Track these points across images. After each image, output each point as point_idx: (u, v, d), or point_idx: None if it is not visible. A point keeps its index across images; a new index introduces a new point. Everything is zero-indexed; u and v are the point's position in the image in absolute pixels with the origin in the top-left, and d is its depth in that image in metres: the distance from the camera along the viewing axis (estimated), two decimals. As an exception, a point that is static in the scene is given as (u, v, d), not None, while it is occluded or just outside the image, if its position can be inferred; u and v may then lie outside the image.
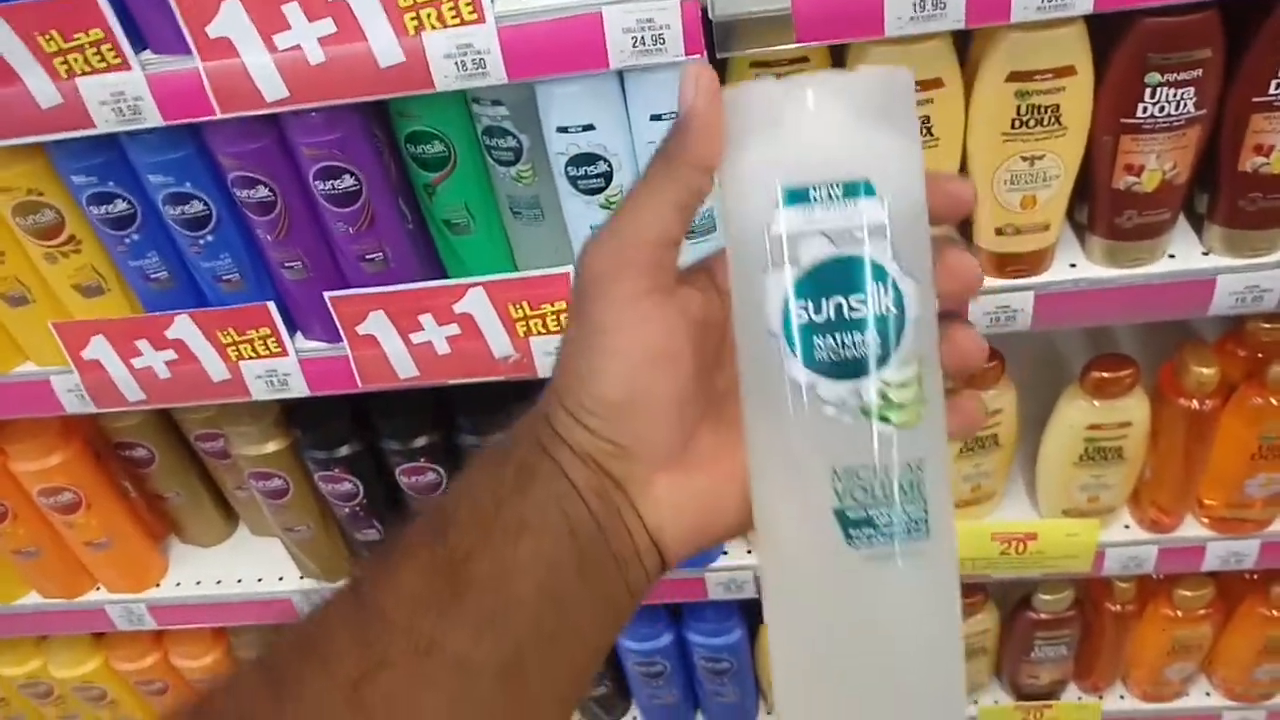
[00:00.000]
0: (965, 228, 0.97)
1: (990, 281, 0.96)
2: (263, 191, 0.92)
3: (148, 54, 0.86)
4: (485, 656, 0.36)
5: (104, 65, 0.85)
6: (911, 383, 0.36)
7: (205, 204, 0.94)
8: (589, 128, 0.87)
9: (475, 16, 0.80)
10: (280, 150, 0.91)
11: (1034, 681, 1.40)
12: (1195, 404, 1.06)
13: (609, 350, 0.39)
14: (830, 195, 0.36)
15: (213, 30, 0.82)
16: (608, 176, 0.90)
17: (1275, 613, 1.27)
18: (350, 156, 0.90)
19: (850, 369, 0.36)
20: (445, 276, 1.04)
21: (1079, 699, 1.43)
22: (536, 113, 0.90)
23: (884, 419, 0.36)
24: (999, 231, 0.93)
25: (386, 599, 0.36)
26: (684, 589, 1.26)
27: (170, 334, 1.03)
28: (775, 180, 0.36)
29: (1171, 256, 0.95)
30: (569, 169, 0.89)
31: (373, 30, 0.81)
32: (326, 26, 0.81)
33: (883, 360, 0.36)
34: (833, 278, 0.36)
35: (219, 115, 0.86)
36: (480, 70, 0.82)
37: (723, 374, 0.42)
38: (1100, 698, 1.42)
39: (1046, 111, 0.85)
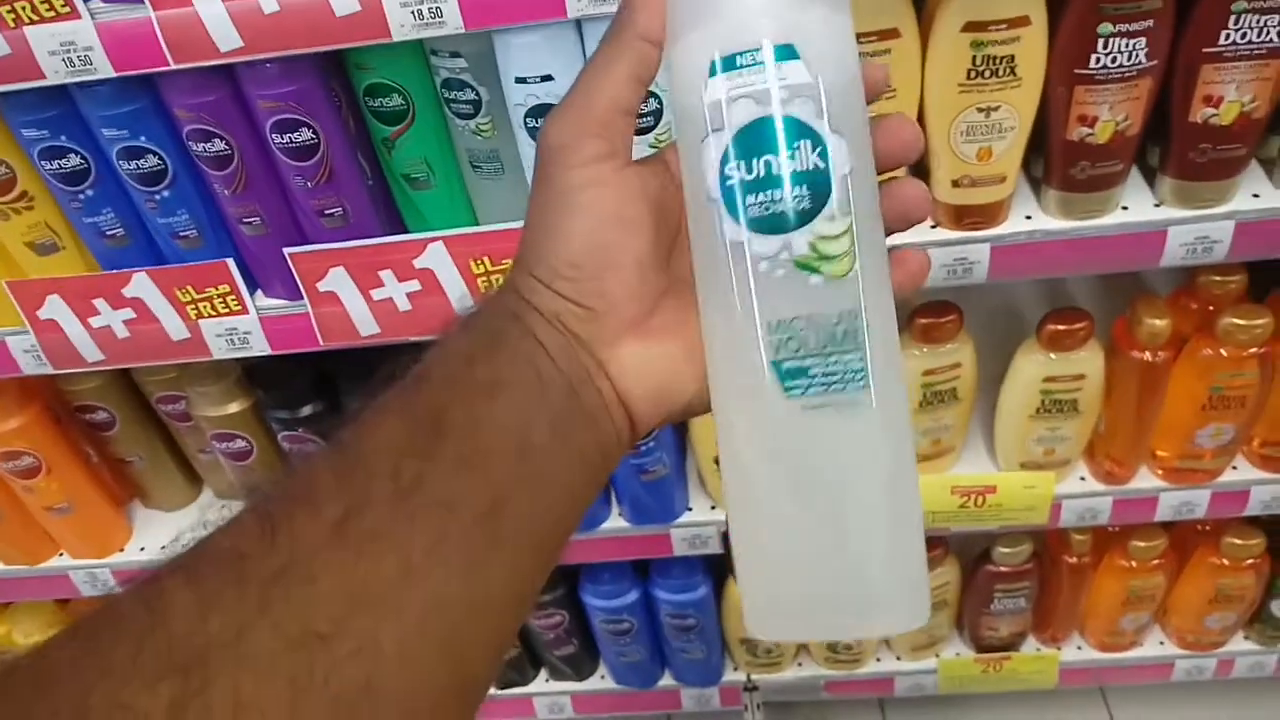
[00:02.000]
0: (922, 180, 0.97)
1: (947, 234, 0.97)
2: (219, 145, 0.91)
3: (97, 2, 0.85)
4: (464, 498, 0.37)
5: (52, 14, 0.83)
6: (844, 234, 0.37)
7: (160, 158, 0.93)
8: (547, 78, 0.87)
9: (431, -36, 0.79)
10: (236, 103, 0.90)
11: (993, 634, 1.43)
12: (1148, 356, 1.08)
13: (573, 209, 0.41)
14: (756, 60, 0.37)
15: (163, -22, 0.81)
16: (567, 129, 0.90)
17: (1225, 562, 1.30)
18: (308, 109, 0.89)
19: (779, 224, 0.38)
20: (405, 232, 1.03)
21: (1037, 650, 1.46)
22: (495, 65, 0.89)
23: (814, 270, 0.38)
24: (955, 183, 0.94)
25: (367, 446, 0.37)
26: (650, 545, 1.27)
27: (128, 292, 1.02)
28: (707, 50, 0.38)
29: (1124, 208, 0.96)
30: (528, 120, 0.89)
31: (327, -23, 0.80)
32: (280, -26, 0.80)
33: (811, 214, 0.37)
34: (760, 138, 0.38)
35: (172, 66, 0.85)
36: (437, 19, 0.82)
37: (682, 259, 0.44)
38: (1058, 649, 1.45)
39: (1001, 62, 0.85)
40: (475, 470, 0.38)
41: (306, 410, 1.15)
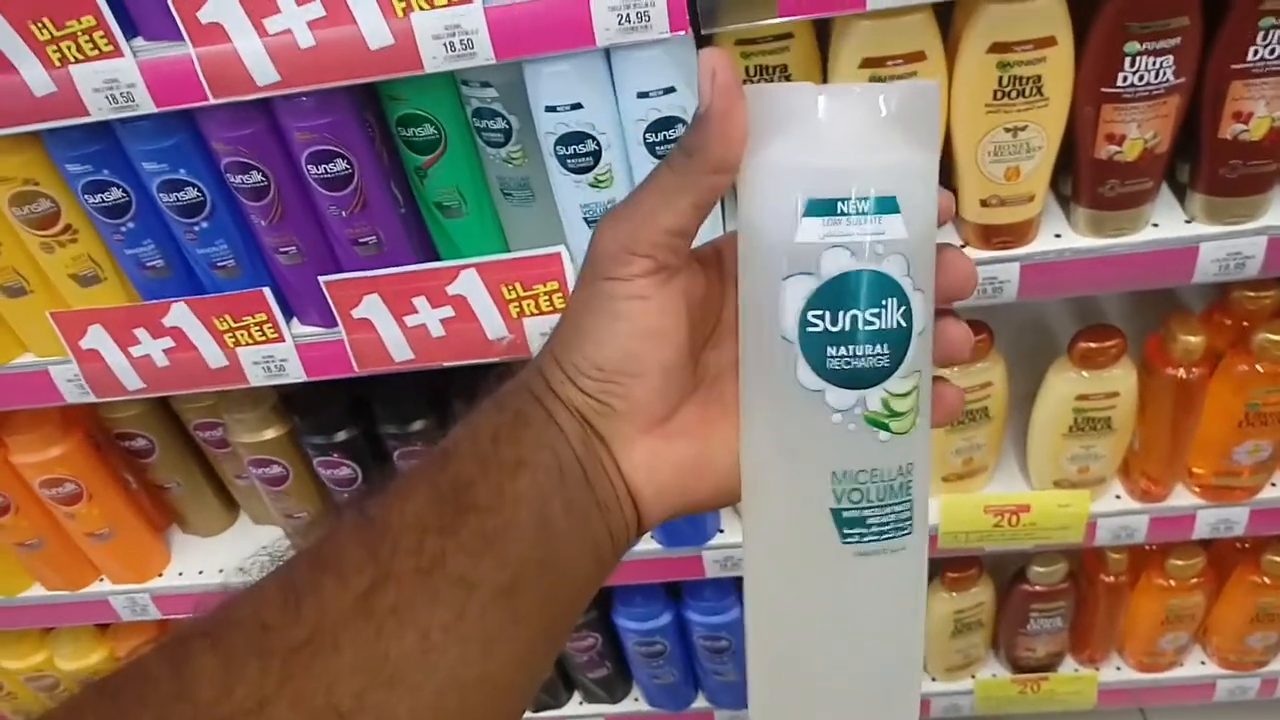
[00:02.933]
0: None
1: (976, 253, 0.97)
2: (256, 177, 0.93)
3: (139, 40, 0.87)
4: (484, 576, 0.38)
5: (96, 53, 0.86)
6: (912, 392, 0.38)
7: (199, 190, 0.95)
8: (577, 106, 0.88)
9: (460, -3, 0.81)
10: (272, 135, 0.92)
11: (1030, 654, 1.41)
12: (1182, 373, 1.07)
13: (610, 316, 0.41)
14: (856, 209, 0.36)
15: (204, 16, 0.83)
16: (596, 155, 0.91)
17: (1266, 580, 1.28)
18: (342, 140, 0.91)
19: (859, 379, 0.37)
20: (438, 259, 1.05)
21: (1075, 671, 1.44)
22: (525, 94, 0.91)
23: (883, 426, 0.38)
24: (984, 203, 0.94)
25: (394, 519, 0.38)
26: (682, 568, 1.27)
27: (167, 322, 1.04)
28: (800, 188, 0.36)
29: (1155, 225, 0.96)
30: (558, 148, 0.91)
31: (362, 12, 0.82)
32: (316, 10, 0.82)
33: (890, 372, 0.37)
34: (851, 291, 0.37)
35: (211, 101, 0.87)
36: (468, 51, 0.83)
37: (715, 354, 0.44)
38: (1097, 669, 1.44)
39: (1028, 82, 0.86)
40: (495, 549, 0.38)
41: (341, 436, 1.16)
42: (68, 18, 0.84)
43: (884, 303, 0.37)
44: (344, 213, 0.95)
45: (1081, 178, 0.93)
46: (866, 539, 0.39)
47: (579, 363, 0.42)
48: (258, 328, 1.04)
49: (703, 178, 0.39)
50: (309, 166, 0.92)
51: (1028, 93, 0.86)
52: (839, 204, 0.36)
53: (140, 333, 1.05)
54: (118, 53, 0.85)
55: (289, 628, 0.35)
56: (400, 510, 0.39)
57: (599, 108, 0.89)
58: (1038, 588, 1.32)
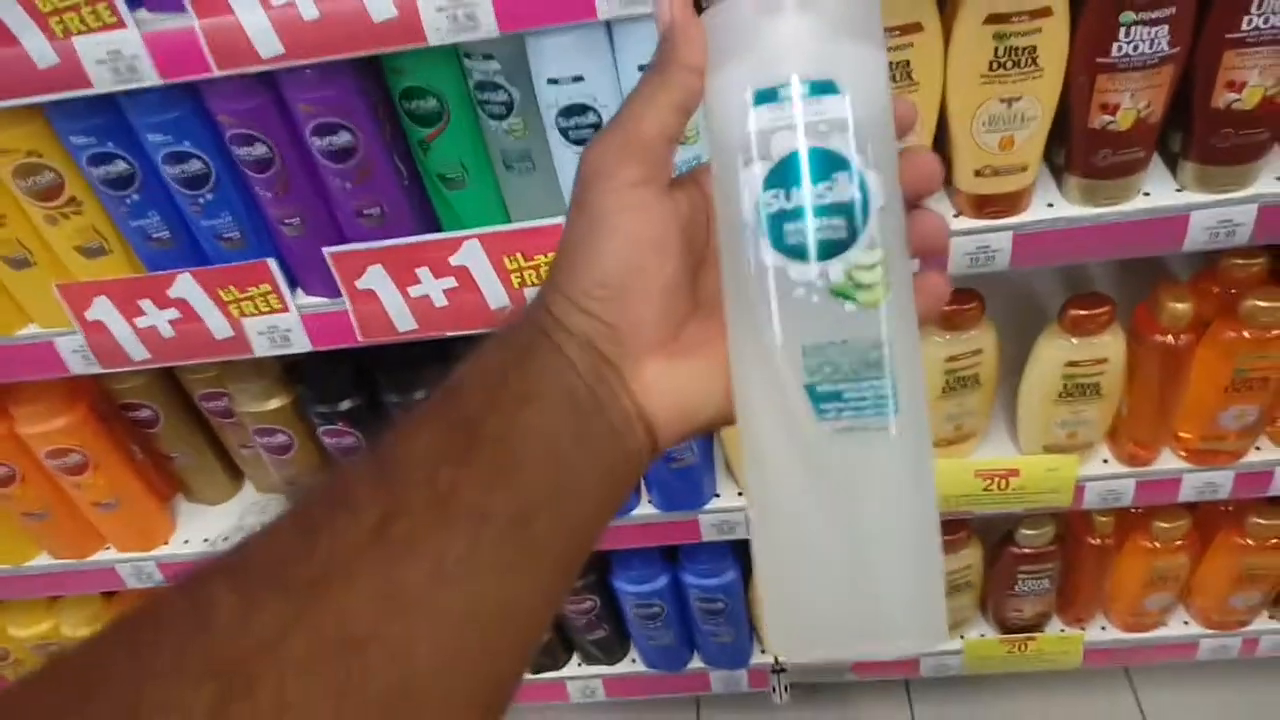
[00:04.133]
0: (944, 171, 0.99)
1: (969, 223, 0.99)
2: (260, 149, 0.94)
3: (143, 12, 0.88)
4: (497, 507, 0.38)
5: (99, 24, 0.86)
6: (877, 265, 0.39)
7: (204, 162, 0.96)
8: (578, 79, 0.89)
9: (465, -30, 0.82)
10: (277, 108, 0.93)
11: (1018, 615, 1.45)
12: (1170, 339, 1.09)
13: (608, 231, 0.42)
14: (798, 94, 0.39)
15: (207, -11, 0.84)
16: (597, 127, 0.92)
17: (1250, 542, 1.31)
18: (346, 112, 0.92)
19: (818, 251, 0.39)
20: (441, 231, 1.06)
21: (1061, 631, 1.47)
22: (527, 66, 0.92)
23: (849, 298, 0.39)
24: (978, 173, 0.95)
25: (404, 453, 0.39)
26: (679, 531, 1.30)
27: (172, 293, 1.05)
28: (748, 83, 0.40)
29: (1146, 194, 0.98)
30: (560, 120, 0.92)
31: (365, -15, 0.83)
32: (320, -17, 0.83)
33: (847, 245, 0.39)
34: (799, 167, 0.39)
35: (215, 73, 0.88)
36: (471, 23, 0.84)
37: (708, 276, 0.45)
38: (1083, 629, 1.47)
39: (1024, 53, 0.87)
40: (508, 479, 0.39)
41: (346, 405, 1.18)
42: (71, -10, 0.84)
43: (834, 176, 0.39)
44: (348, 185, 0.96)
45: (1074, 147, 0.95)
46: (844, 414, 0.39)
47: (582, 283, 0.42)
48: (262, 298, 1.05)
49: (676, 79, 0.42)
50: (313, 139, 0.93)
51: (1023, 64, 0.88)
52: (779, 90, 0.39)
53: (146, 304, 1.06)
54: (121, 24, 0.86)
55: (304, 561, 0.35)
56: (410, 445, 0.39)
57: (600, 80, 0.90)
58: (1026, 550, 1.35)
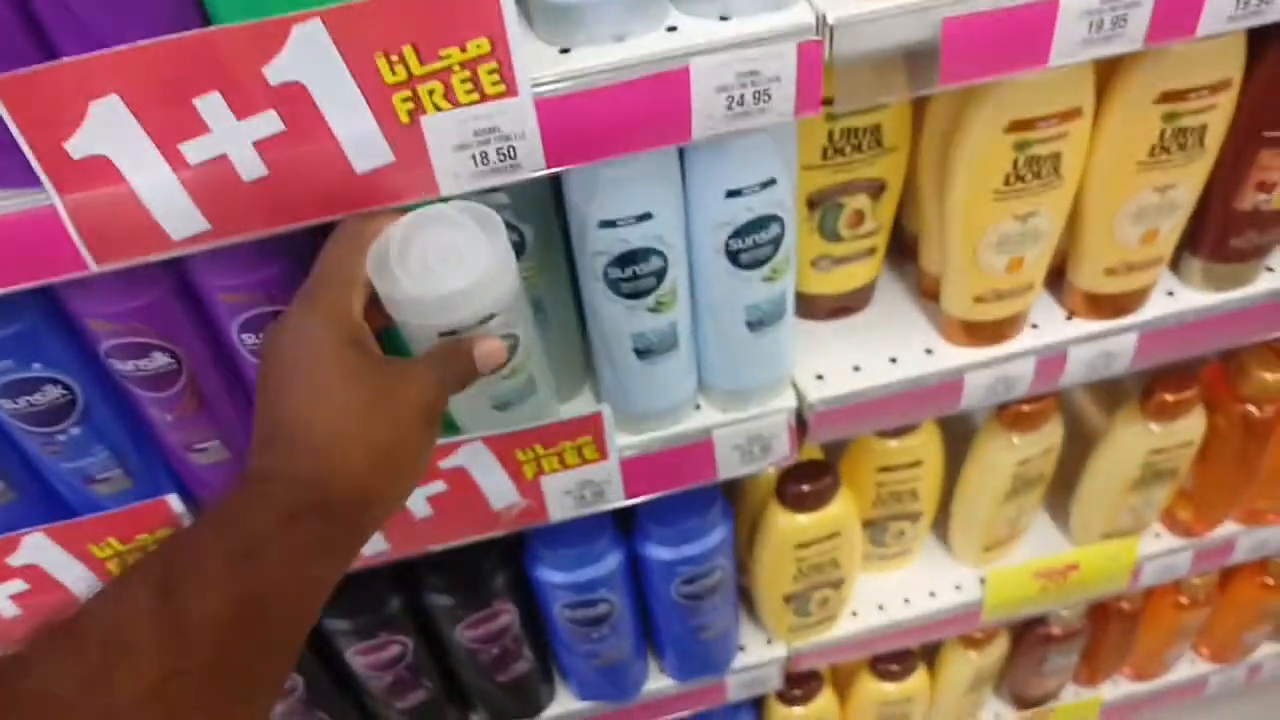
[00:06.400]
0: (1062, 273, 0.81)
1: (1088, 326, 0.81)
2: (159, 359, 0.62)
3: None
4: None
5: (-127, 214, 0.51)
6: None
7: (65, 388, 0.62)
8: (644, 217, 0.63)
9: (502, 88, 0.53)
10: (183, 300, 0.61)
11: (1038, 689, 1.32)
12: (1255, 410, 0.96)
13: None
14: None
15: (80, 147, 0.50)
16: (660, 274, 0.66)
17: (1271, 581, 1.24)
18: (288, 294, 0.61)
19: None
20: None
21: (1077, 695, 1.36)
22: (544, 202, 0.65)
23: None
24: (1110, 271, 0.77)
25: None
26: (703, 698, 1.06)
27: (16, 560, 0.70)
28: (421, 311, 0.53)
29: (1270, 270, 0.83)
30: (611, 270, 0.65)
31: (342, 120, 0.53)
32: (266, 123, 0.52)
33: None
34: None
35: (91, 270, 0.55)
36: (507, 161, 0.56)
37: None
38: (1098, 690, 1.36)
39: (1192, 134, 0.69)
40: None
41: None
42: None
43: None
44: (297, 389, 0.65)
45: (1208, 229, 0.78)
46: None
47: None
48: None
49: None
50: (243, 336, 0.62)
51: (1188, 145, 0.69)
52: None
53: (-30, 578, 0.70)
54: (-89, 210, 0.52)
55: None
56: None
57: (670, 216, 0.64)
58: (1056, 630, 1.21)
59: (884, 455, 0.95)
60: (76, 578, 0.73)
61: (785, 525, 0.92)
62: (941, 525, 1.09)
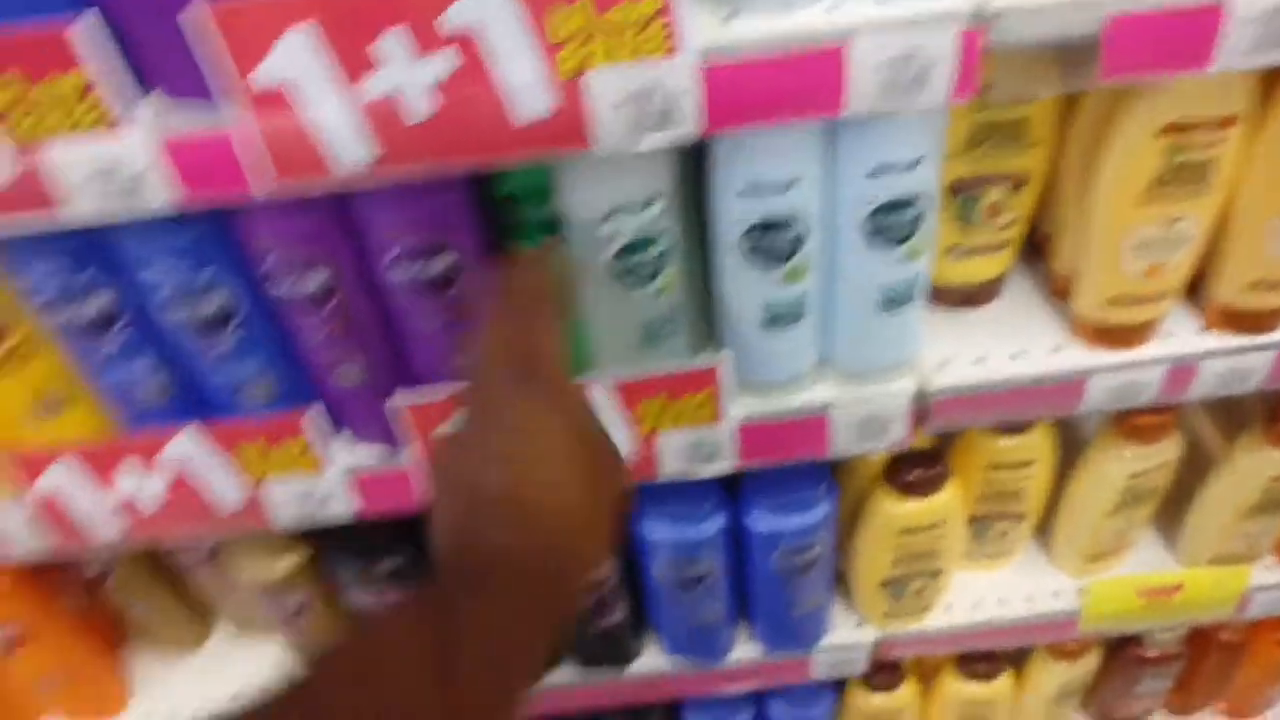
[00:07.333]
0: (1195, 291, 0.79)
1: (1223, 340, 0.79)
2: (316, 280, 0.66)
3: (150, 105, 0.58)
4: None
5: (88, 125, 0.56)
6: None
7: (227, 298, 0.67)
8: (787, 186, 0.64)
9: (667, 47, 0.55)
10: (341, 226, 0.64)
11: (1126, 713, 1.30)
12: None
13: None
14: None
15: (263, 75, 0.54)
16: (797, 242, 0.67)
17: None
18: (447, 230, 0.65)
19: None
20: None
21: (1167, 722, 1.33)
22: (676, 166, 0.67)
23: None
24: (1254, 285, 0.75)
25: None
26: (786, 672, 1.08)
27: (166, 455, 0.76)
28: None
29: None
30: (747, 238, 0.67)
31: (509, 69, 0.55)
32: (440, 65, 0.55)
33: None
34: None
35: (262, 192, 0.59)
36: (665, 123, 0.58)
37: None
38: None
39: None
40: None
41: (387, 564, 0.90)
42: (44, 73, 0.54)
43: None
44: (439, 321, 0.69)
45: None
46: None
47: None
48: (294, 458, 0.77)
49: None
50: (396, 267, 0.65)
51: (1357, 158, 0.67)
52: None
53: (126, 468, 0.76)
54: (117, 125, 0.56)
55: None
56: None
57: (811, 188, 0.65)
58: (1153, 653, 1.19)
59: (995, 452, 0.95)
60: (219, 476, 0.78)
61: (891, 510, 0.92)
62: (1045, 530, 1.07)
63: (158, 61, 0.56)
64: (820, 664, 1.07)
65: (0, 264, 0.65)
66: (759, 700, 1.19)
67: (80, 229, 0.62)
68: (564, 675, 1.06)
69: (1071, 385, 0.79)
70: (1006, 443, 0.94)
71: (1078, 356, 0.79)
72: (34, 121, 0.55)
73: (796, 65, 0.57)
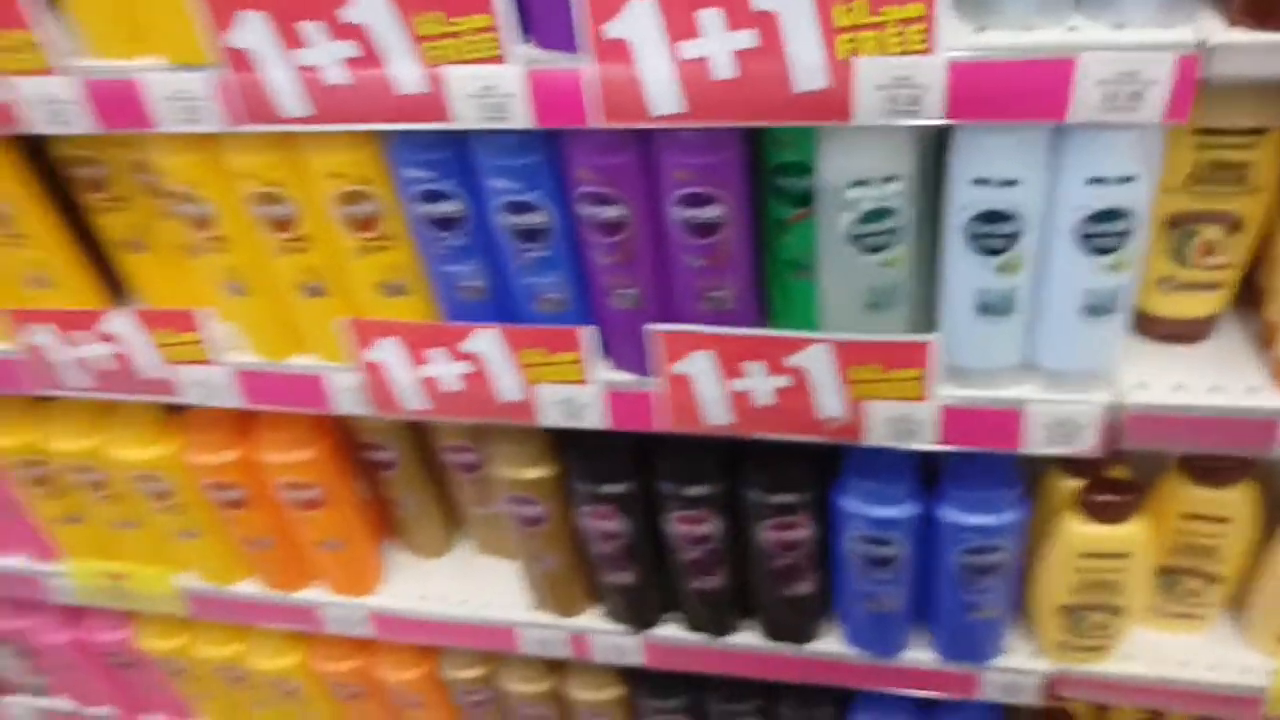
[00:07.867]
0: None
1: None
2: (614, 211, 0.83)
3: (527, 48, 0.78)
4: None
5: (476, 55, 0.77)
6: None
7: (547, 216, 0.85)
8: (1010, 183, 0.76)
9: (923, 46, 0.69)
10: (643, 169, 0.82)
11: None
12: None
13: None
14: None
15: (612, 30, 0.73)
16: (1013, 238, 0.78)
17: None
18: (721, 184, 0.81)
19: None
20: (768, 319, 0.94)
21: None
22: (921, 157, 0.79)
23: None
24: None
25: None
26: (952, 684, 1.14)
27: (468, 346, 0.95)
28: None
29: None
30: (972, 225, 0.78)
31: (797, 47, 0.71)
32: (745, 38, 0.71)
33: None
34: None
35: (594, 125, 0.77)
36: (912, 107, 0.72)
37: None
38: None
39: None
40: None
41: (616, 487, 1.06)
42: (461, 13, 0.75)
43: None
44: (701, 262, 0.85)
45: None
46: None
47: None
48: (566, 367, 0.94)
49: None
50: (676, 208, 0.82)
51: None
52: None
53: (436, 352, 0.96)
54: (500, 59, 0.76)
55: None
56: None
57: (1033, 187, 0.76)
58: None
59: (1191, 501, 0.99)
60: (505, 372, 0.96)
61: (1077, 530, 0.98)
62: (1241, 603, 1.08)
63: (539, 14, 0.76)
64: (990, 683, 1.12)
65: (388, 161, 0.87)
66: (925, 715, 1.24)
67: (450, 142, 0.83)
68: (748, 638, 1.17)
69: (1265, 424, 0.84)
70: (1203, 493, 0.98)
71: (1275, 398, 0.84)
72: (444, 49, 0.77)
73: (1031, 72, 0.69)
